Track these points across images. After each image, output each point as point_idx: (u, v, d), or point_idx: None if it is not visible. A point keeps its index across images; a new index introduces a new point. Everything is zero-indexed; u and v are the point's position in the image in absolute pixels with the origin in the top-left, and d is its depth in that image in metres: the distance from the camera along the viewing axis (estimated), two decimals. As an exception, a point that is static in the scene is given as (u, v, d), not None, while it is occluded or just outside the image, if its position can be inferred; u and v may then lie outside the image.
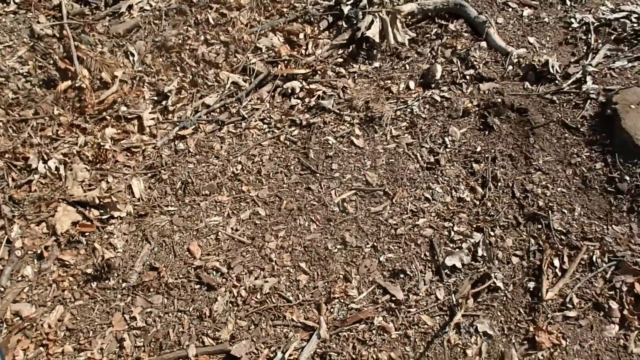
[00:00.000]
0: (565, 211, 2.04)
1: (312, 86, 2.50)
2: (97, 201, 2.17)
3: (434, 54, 2.61)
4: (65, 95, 2.42)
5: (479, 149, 2.25)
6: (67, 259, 2.06)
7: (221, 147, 2.36)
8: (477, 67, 2.49)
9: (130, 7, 2.69)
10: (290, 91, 2.49)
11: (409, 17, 2.72)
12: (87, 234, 2.12)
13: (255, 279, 1.95)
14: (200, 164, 2.31)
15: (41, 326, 1.90)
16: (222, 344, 1.85)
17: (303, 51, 2.65)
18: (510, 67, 2.49)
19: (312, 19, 2.74)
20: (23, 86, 2.43)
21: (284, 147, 2.34)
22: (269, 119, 2.44)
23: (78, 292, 2.00)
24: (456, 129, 2.31)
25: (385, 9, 2.59)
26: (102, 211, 2.17)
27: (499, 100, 2.34)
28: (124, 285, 2.00)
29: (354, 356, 1.80)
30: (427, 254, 2.01)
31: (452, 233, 2.04)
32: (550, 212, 2.03)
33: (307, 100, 2.48)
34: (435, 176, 2.21)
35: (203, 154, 2.34)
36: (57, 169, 2.25)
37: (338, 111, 2.41)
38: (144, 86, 2.51)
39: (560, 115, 2.28)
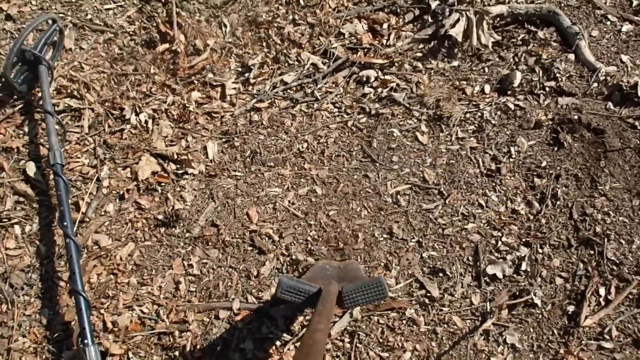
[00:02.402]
0: (623, 242, 1.99)
1: (387, 77, 2.56)
2: (175, 156, 2.40)
3: (517, 60, 2.56)
4: (162, 57, 2.66)
5: (544, 163, 2.22)
6: (143, 203, 2.31)
7: (291, 124, 2.50)
8: (560, 79, 2.42)
9: (230, -20, 2.86)
10: (365, 79, 2.57)
11: (497, 18, 2.67)
12: (162, 184, 2.36)
13: (300, 252, 2.10)
14: (270, 137, 2.47)
15: (114, 257, 2.17)
16: (263, 304, 2.03)
17: (384, 41, 2.70)
18: (595, 85, 2.40)
19: (398, 9, 2.77)
20: (128, 44, 2.70)
21: (349, 133, 2.44)
22: (340, 104, 2.54)
23: (148, 233, 2.25)
24: (524, 140, 2.29)
25: (474, 9, 2.56)
26: (178, 166, 2.40)
27: (576, 117, 2.28)
28: (187, 235, 2.23)
29: (381, 340, 1.91)
30: (470, 258, 2.05)
31: (499, 243, 2.06)
32: (606, 239, 1.99)
33: (379, 90, 2.54)
34: (494, 184, 2.22)
35: (274, 127, 2.50)
36: (146, 122, 2.50)
37: (408, 105, 2.46)
38: (231, 57, 2.69)
39: (639, 142, 2.18)
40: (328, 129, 2.46)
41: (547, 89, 2.42)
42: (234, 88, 2.63)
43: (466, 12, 2.56)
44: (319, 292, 1.74)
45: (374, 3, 2.82)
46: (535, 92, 2.42)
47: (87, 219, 2.25)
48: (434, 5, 2.69)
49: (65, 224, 2.01)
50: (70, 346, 1.96)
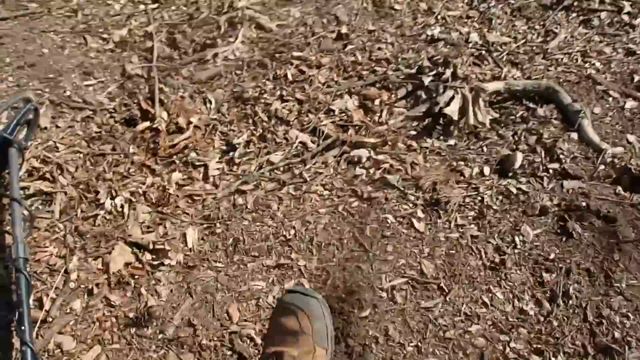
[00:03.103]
0: (647, 350, 1.78)
1: (380, 157, 2.41)
2: (152, 246, 2.21)
3: (517, 139, 2.43)
4: (142, 135, 2.52)
5: (552, 256, 2.03)
6: (114, 299, 2.10)
7: (278, 207, 2.33)
8: (564, 161, 2.27)
9: (215, 55, 2.78)
10: (356, 159, 2.42)
11: (494, 95, 2.57)
12: (136, 277, 2.16)
13: None
14: (254, 223, 2.29)
15: (78, 363, 1.94)
16: (242, 423, 1.78)
17: (376, 118, 2.58)
18: (602, 167, 2.25)
19: (390, 85, 2.67)
20: (107, 121, 2.57)
21: (340, 218, 2.27)
22: (330, 186, 2.38)
23: (117, 334, 2.02)
24: (529, 228, 2.11)
25: (469, 86, 2.46)
26: (154, 256, 2.20)
27: (584, 203, 2.12)
28: (160, 336, 2.00)
29: None
30: (476, 367, 1.82)
31: (507, 349, 1.84)
32: (627, 347, 1.77)
33: (372, 171, 2.39)
34: (499, 279, 2.02)
35: (259, 212, 2.33)
36: (122, 206, 2.33)
37: (402, 188, 2.30)
38: (216, 134, 2.57)
39: (655, 233, 2.01)
40: (317, 214, 2.29)
41: (550, 171, 2.27)
42: (218, 168, 2.48)
43: (461, 90, 2.45)
44: None
45: (364, 78, 2.73)
46: (539, 174, 2.27)
47: (51, 318, 2.03)
48: (427, 81, 2.59)
49: (22, 328, 1.79)
50: None
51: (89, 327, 2.04)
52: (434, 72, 2.62)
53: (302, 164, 2.44)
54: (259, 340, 1.95)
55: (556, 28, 3.23)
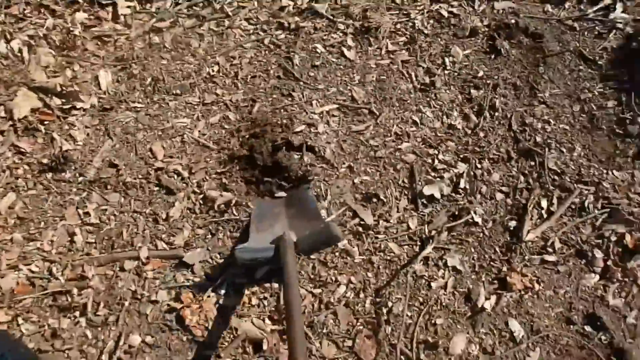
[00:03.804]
0: (564, 150, 1.85)
1: (307, -13, 2.24)
2: (60, 89, 2.01)
3: (449, -38, 2.31)
4: (35, -30, 2.19)
5: (481, 73, 2.02)
6: (23, 146, 1.93)
7: (199, 45, 2.15)
8: (496, -18, 2.20)
9: None
10: (282, -10, 2.24)
11: None
12: (46, 122, 1.98)
13: (214, 188, 1.82)
14: (174, 61, 2.12)
15: (-8, 211, 1.80)
16: (175, 250, 1.75)
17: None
18: (533, -14, 2.21)
19: None
20: (-10, -46, 2.20)
21: (267, 52, 2.13)
22: (255, 20, 2.21)
23: (32, 181, 1.88)
24: (459, 49, 2.08)
25: None
26: (64, 100, 2.01)
27: (513, 21, 2.08)
28: (80, 179, 1.88)
29: (312, 276, 1.70)
30: (406, 180, 1.85)
31: (436, 161, 1.87)
32: (547, 149, 1.84)
33: (299, 1, 2.22)
34: (428, 99, 2.01)
35: (179, 50, 2.14)
36: (20, 50, 2.08)
37: (332, 17, 2.16)
38: (123, -32, 2.27)
39: (578, 45, 2.03)
40: (242, 49, 2.13)
41: (482, -8, 2.20)
42: (129, 7, 2.22)
43: None
44: (276, 250, 1.61)
45: None
46: (470, -4, 2.19)
47: (-46, 169, 1.85)
48: None
49: None
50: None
51: (-1, 176, 1.89)
52: None
53: (223, -3, 2.23)
54: (186, 175, 1.88)
55: None
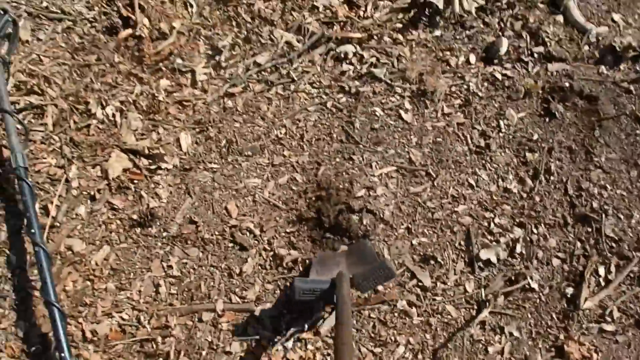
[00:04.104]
0: (622, 217, 1.89)
1: (366, 52, 2.40)
2: (147, 151, 2.26)
3: (502, 25, 2.40)
4: (125, 44, 2.48)
5: (535, 137, 2.09)
6: (116, 203, 2.19)
7: (268, 108, 2.35)
8: (548, 44, 2.27)
9: (193, -45, 2.66)
10: (343, 55, 2.41)
11: (481, -19, 2.50)
12: (135, 181, 2.23)
13: (283, 246, 1.99)
14: (245, 124, 2.33)
15: (89, 262, 2.06)
16: (247, 303, 1.93)
17: (361, 12, 2.52)
18: (587, 48, 2.25)
19: (375, -23, 2.59)
20: (88, 32, 2.51)
21: (329, 115, 2.30)
22: (318, 84, 2.39)
23: (123, 235, 2.13)
24: (514, 112, 2.16)
25: (455, -28, 2.39)
26: (150, 161, 2.26)
27: (567, 84, 2.14)
28: (164, 234, 2.11)
29: (372, 335, 1.82)
30: (462, 243, 1.95)
31: (492, 225, 1.96)
32: (604, 215, 1.89)
33: (359, 66, 2.39)
34: (484, 162, 2.10)
35: (249, 113, 2.35)
36: (113, 115, 2.35)
37: (389, 81, 2.31)
38: (200, 39, 2.52)
39: (634, 108, 2.06)
40: (306, 112, 2.32)
41: (535, 55, 2.27)
42: (205, 73, 2.46)
43: (447, -23, 2.38)
44: (333, 285, 1.72)
45: (348, -28, 2.63)
46: (524, 59, 2.27)
47: (58, 223, 2.12)
48: (412, -30, 2.51)
49: (32, 231, 1.88)
50: (49, 359, 1.87)
51: (96, 230, 2.15)
52: (419, -39, 2.53)
53: (289, 64, 2.42)
54: (257, 232, 2.07)
55: None
